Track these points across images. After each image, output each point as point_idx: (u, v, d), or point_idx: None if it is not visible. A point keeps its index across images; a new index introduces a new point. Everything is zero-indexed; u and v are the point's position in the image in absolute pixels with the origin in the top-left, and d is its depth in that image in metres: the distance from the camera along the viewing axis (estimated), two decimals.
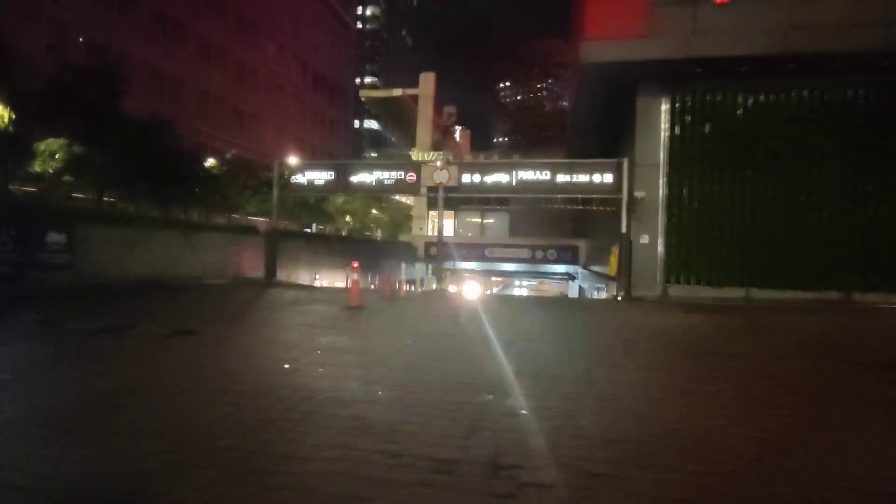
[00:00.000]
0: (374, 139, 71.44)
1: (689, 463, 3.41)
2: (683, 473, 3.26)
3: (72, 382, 4.87)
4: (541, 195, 17.31)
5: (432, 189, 17.00)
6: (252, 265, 18.45)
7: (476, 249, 30.73)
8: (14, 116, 14.54)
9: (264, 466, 3.23)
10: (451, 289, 17.27)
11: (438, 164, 17.75)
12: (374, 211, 38.17)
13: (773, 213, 14.50)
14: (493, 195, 18.49)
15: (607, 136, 19.57)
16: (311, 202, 27.25)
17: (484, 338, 7.75)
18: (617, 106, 16.84)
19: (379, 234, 38.73)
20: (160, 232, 15.03)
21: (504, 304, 14.88)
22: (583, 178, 15.97)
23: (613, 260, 16.00)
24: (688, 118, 15.08)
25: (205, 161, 23.95)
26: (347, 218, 36.06)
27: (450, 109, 39.03)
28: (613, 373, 5.89)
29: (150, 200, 19.29)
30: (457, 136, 40.15)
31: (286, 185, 18.64)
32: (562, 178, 16.09)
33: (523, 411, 4.36)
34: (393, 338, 8.15)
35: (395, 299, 13.57)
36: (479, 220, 33.28)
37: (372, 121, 75.65)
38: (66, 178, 19.10)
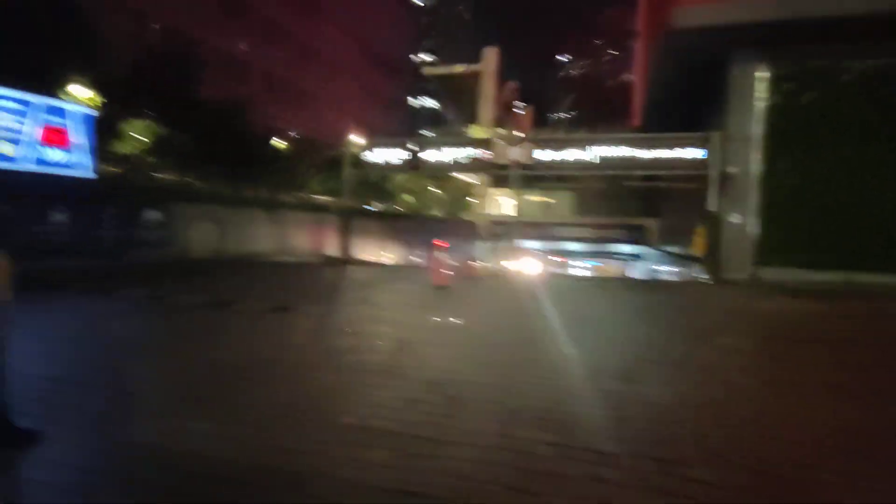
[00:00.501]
0: (431, 117, 71.08)
1: (863, 467, 3.03)
2: (866, 479, 2.89)
3: (198, 357, 4.96)
4: (619, 171, 16.50)
5: (506, 166, 16.55)
6: (326, 242, 18.75)
7: (540, 229, 30.12)
8: (104, 101, 15.23)
9: (419, 450, 3.11)
10: (512, 268, 16.94)
11: (511, 140, 17.26)
12: (434, 189, 38.12)
13: (880, 191, 13.18)
14: (567, 172, 17.82)
15: (690, 109, 18.34)
16: (373, 180, 27.42)
17: (585, 319, 7.43)
18: (704, 75, 15.68)
19: (438, 213, 38.66)
20: (243, 210, 15.45)
21: (582, 286, 14.41)
22: (666, 153, 15.06)
23: (698, 240, 15.10)
24: (788, 87, 13.83)
25: (272, 142, 24.50)
26: (408, 196, 36.17)
27: (512, 85, 37.98)
28: (738, 361, 5.45)
29: (222, 179, 19.96)
30: (519, 112, 39.10)
31: (358, 163, 18.66)
32: (643, 153, 15.24)
33: (663, 401, 4.06)
34: (491, 317, 7.95)
35: (474, 278, 13.39)
36: (544, 198, 32.54)
37: (428, 99, 75.21)
38: (150, 159, 20.04)
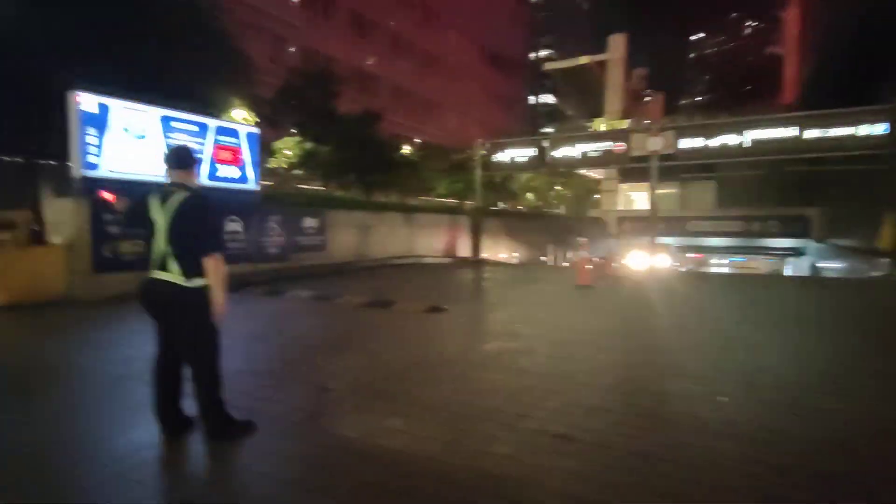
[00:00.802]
0: (550, 114, 69.74)
1: None
2: None
3: (375, 354, 5.17)
4: (775, 156, 14.66)
5: (643, 158, 15.58)
6: (458, 243, 19.11)
7: (677, 223, 28.04)
8: (258, 120, 16.97)
9: (620, 464, 2.90)
10: (649, 266, 15.83)
11: (650, 129, 16.18)
12: (557, 187, 37.23)
13: None
14: (714, 160, 16.28)
15: (863, 79, 15.81)
16: (498, 181, 27.46)
17: (758, 322, 6.64)
18: (883, 39, 13.42)
19: (562, 210, 37.75)
20: (386, 215, 16.24)
21: (733, 284, 13.05)
22: (841, 131, 13.09)
23: (888, 231, 12.92)
24: None
25: (400, 149, 25.60)
26: (530, 195, 35.74)
27: (640, 72, 35.81)
28: None
29: (358, 186, 21.26)
30: (649, 99, 36.65)
31: (485, 164, 18.81)
32: (811, 133, 13.40)
33: None
34: (648, 319, 7.44)
35: (613, 277, 12.76)
36: (680, 190, 30.20)
37: (546, 95, 73.90)
38: (297, 171, 21.98)
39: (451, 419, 3.53)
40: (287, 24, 31.77)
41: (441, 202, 24.81)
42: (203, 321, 3.07)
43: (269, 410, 3.62)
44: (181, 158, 3.21)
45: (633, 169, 20.27)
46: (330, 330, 6.48)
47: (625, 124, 28.54)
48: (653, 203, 16.86)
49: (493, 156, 18.73)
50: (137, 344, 5.20)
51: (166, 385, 3.19)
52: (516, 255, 23.47)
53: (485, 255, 18.54)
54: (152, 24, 13.36)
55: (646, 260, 16.83)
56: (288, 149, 21.60)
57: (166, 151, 3.27)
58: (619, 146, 15.98)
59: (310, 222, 12.64)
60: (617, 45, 34.51)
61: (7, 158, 16.47)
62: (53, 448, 3.11)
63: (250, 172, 11.75)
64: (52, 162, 14.49)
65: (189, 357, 3.15)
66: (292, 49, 32.37)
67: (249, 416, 3.39)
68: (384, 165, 21.90)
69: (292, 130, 22.00)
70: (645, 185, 26.67)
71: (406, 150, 26.51)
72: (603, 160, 17.39)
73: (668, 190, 31.08)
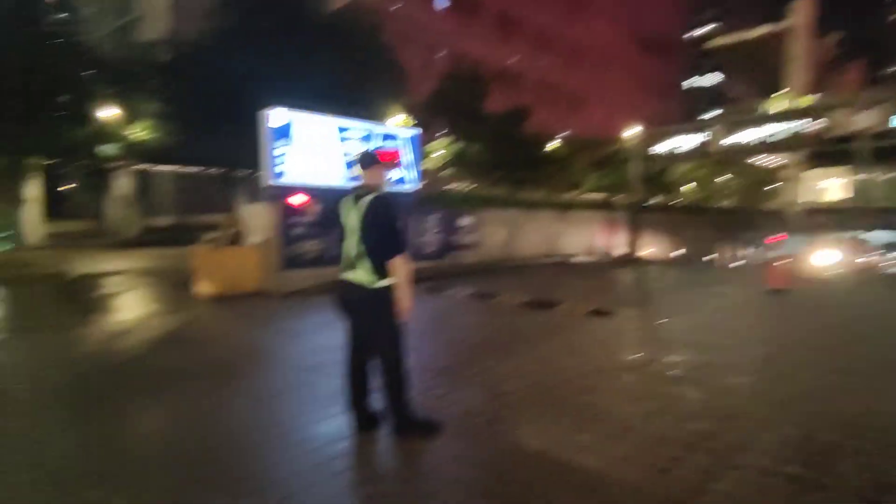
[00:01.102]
0: (712, 96, 63.04)
1: None
2: None
3: (546, 358, 4.90)
4: None
5: (847, 139, 13.15)
6: (613, 241, 18.11)
7: (885, 215, 23.42)
8: (415, 123, 17.72)
9: None
10: (852, 266, 13.29)
11: (858, 103, 13.64)
12: (723, 177, 33.34)
13: None
14: None
15: None
16: (653, 173, 25.44)
17: None
18: None
19: (730, 203, 33.87)
20: (537, 212, 15.95)
21: None
22: None
23: None
24: None
25: (548, 144, 24.96)
26: (690, 186, 32.50)
27: (832, 38, 30.37)
28: None
29: (507, 184, 21.17)
30: (846, 69, 30.90)
31: (642, 156, 17.48)
32: None
33: None
34: (878, 332, 6.14)
35: (811, 279, 10.96)
36: (886, 176, 25.14)
37: (707, 77, 67.08)
38: (447, 171, 22.62)
39: (649, 441, 3.13)
40: (436, 30, 32.91)
41: (592, 198, 23.69)
42: (390, 320, 3.11)
43: (447, 411, 3.56)
44: (370, 162, 3.29)
45: (821, 153, 17.46)
46: (494, 329, 6.37)
47: (811, 100, 24.62)
48: (857, 192, 14.28)
49: (651, 146, 17.32)
50: (325, 336, 5.56)
51: (357, 380, 3.27)
52: (678, 252, 21.52)
53: (643, 252, 17.26)
54: (327, 44, 14.71)
55: (847, 259, 14.29)
56: (439, 150, 22.32)
57: (357, 156, 3.38)
58: (813, 126, 13.64)
59: (463, 221, 12.81)
60: (801, 10, 29.84)
61: (211, 170, 19.49)
62: (252, 433, 3.31)
63: (411, 174, 12.23)
64: (246, 172, 16.73)
65: (378, 354, 3.19)
66: (442, 54, 33.41)
67: (428, 415, 3.36)
68: (532, 162, 21.57)
69: (442, 132, 22.70)
70: (839, 170, 22.74)
71: (554, 144, 25.83)
72: (789, 144, 14.94)
73: (868, 176, 26.14)
